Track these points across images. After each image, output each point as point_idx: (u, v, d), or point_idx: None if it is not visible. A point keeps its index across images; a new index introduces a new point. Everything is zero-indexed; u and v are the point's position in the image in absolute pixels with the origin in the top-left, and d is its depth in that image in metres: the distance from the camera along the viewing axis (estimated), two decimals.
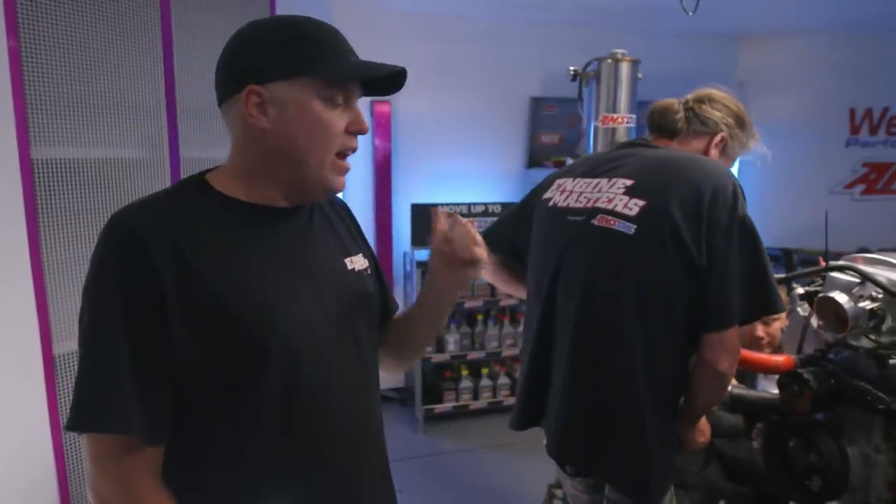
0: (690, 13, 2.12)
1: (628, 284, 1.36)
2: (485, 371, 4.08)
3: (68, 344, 1.91)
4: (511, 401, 4.04)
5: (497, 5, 3.80)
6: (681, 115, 1.54)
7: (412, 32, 3.92)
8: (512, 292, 1.84)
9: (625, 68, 2.52)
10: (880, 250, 1.58)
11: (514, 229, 1.69)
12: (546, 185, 1.63)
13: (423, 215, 3.94)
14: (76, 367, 0.85)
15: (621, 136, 2.53)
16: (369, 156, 3.94)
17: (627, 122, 2.54)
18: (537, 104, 4.23)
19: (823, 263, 1.53)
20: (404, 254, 4.10)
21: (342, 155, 0.94)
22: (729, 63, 4.72)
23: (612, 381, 1.38)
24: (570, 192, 1.52)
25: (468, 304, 3.97)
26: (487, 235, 1.73)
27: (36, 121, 1.79)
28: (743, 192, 1.34)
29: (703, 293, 1.31)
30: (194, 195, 0.92)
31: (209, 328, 0.84)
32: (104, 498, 0.84)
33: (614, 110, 2.52)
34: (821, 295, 1.44)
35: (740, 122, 1.55)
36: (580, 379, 1.42)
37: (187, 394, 0.86)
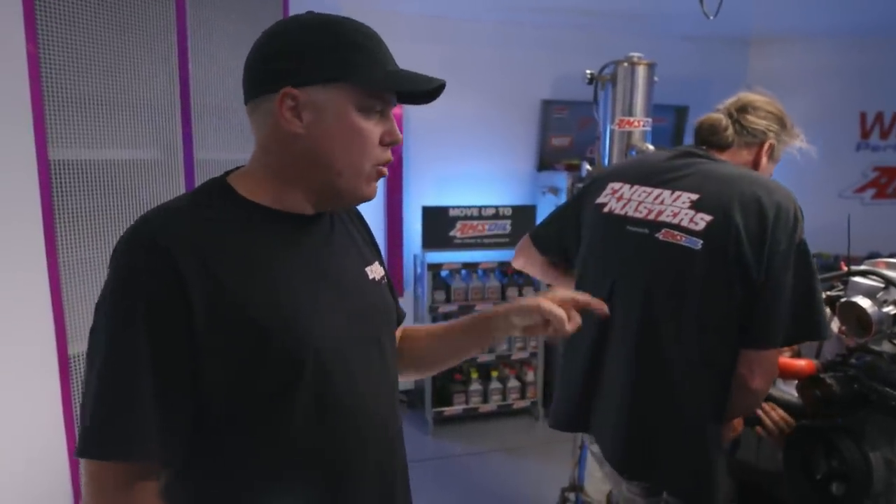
0: (712, 17, 2.11)
1: (692, 298, 1.37)
2: (494, 374, 4.07)
3: (84, 345, 1.91)
4: (521, 404, 4.07)
5: (507, 8, 3.81)
6: (730, 130, 1.54)
7: (423, 35, 3.92)
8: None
9: (641, 72, 2.50)
10: (891, 255, 1.57)
11: (561, 231, 1.69)
12: (596, 187, 1.61)
13: (433, 218, 3.95)
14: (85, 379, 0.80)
15: (637, 140, 2.52)
16: None
17: (644, 126, 2.53)
18: (548, 107, 4.23)
19: (845, 268, 1.53)
20: (415, 256, 4.10)
21: (381, 165, 0.91)
22: (739, 66, 4.71)
23: (675, 391, 1.40)
24: (627, 200, 1.51)
25: (478, 308, 3.96)
26: (536, 237, 1.75)
27: (53, 123, 1.79)
28: (803, 216, 1.36)
29: (752, 311, 1.33)
30: (218, 200, 0.88)
31: (238, 342, 0.81)
32: None
33: (630, 114, 2.51)
34: (843, 299, 1.43)
35: (783, 125, 1.56)
36: (643, 389, 1.43)
37: (216, 411, 0.83)
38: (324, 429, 0.89)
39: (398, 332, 1.15)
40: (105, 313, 0.80)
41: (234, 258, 0.83)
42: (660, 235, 1.41)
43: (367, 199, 0.93)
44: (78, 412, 1.90)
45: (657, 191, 1.48)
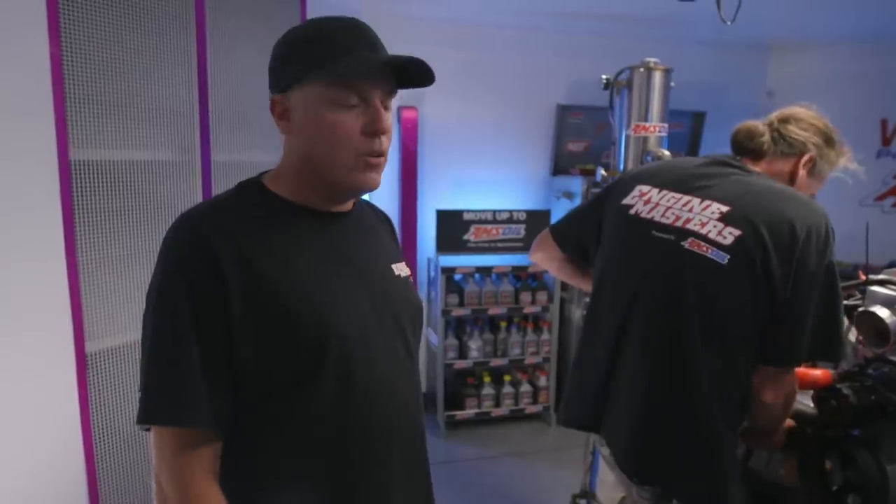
0: (729, 22, 2.09)
1: (716, 312, 1.35)
2: (507, 378, 4.06)
3: (101, 342, 1.94)
4: (533, 409, 4.06)
5: (523, 14, 3.80)
6: (766, 137, 1.50)
7: (440, 40, 3.93)
8: (576, 286, 1.86)
9: (657, 77, 2.50)
10: None
11: (581, 229, 1.67)
12: (623, 188, 1.58)
13: (447, 221, 3.96)
14: (138, 361, 0.87)
15: (653, 146, 2.51)
16: (395, 161, 3.96)
17: (660, 132, 2.52)
18: (564, 112, 4.22)
19: (863, 277, 1.51)
20: (428, 260, 4.11)
21: (367, 155, 0.91)
22: (759, 72, 4.67)
23: (693, 400, 1.37)
24: (655, 205, 1.48)
25: (491, 311, 3.95)
26: (556, 232, 1.73)
27: (75, 123, 1.82)
28: (834, 236, 1.34)
29: (775, 330, 1.32)
30: (253, 197, 0.94)
31: (269, 326, 0.86)
32: (163, 490, 0.86)
33: (646, 119, 2.50)
34: (861, 309, 1.41)
35: (829, 141, 1.52)
36: (660, 395, 1.41)
37: (245, 392, 0.88)
38: (346, 415, 0.91)
39: None
40: (153, 297, 0.87)
41: (266, 248, 0.88)
42: (685, 244, 1.38)
43: (366, 188, 0.94)
44: (95, 410, 1.93)
45: (686, 197, 1.45)
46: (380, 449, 0.94)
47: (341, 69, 0.86)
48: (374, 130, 0.89)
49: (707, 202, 1.41)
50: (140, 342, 0.89)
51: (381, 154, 0.92)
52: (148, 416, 0.85)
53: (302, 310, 0.87)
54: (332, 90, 0.87)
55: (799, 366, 1.36)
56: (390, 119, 0.94)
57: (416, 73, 0.91)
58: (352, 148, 0.89)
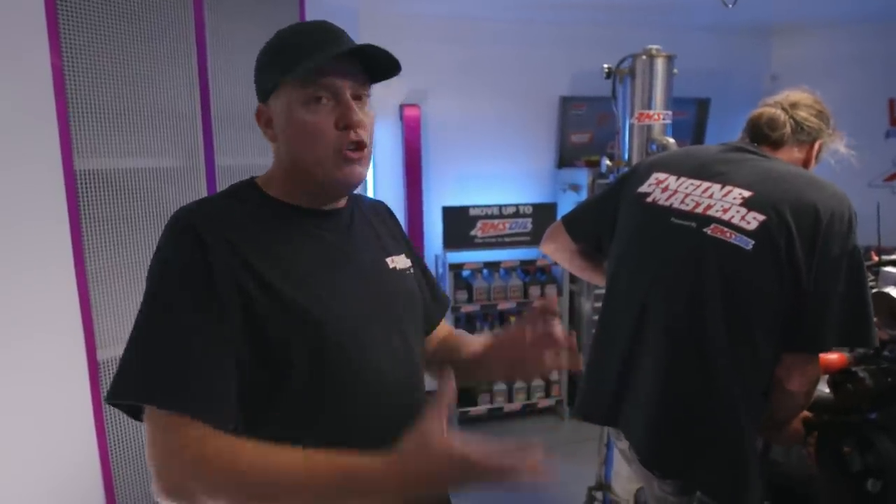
0: (730, 5, 2.07)
1: (740, 298, 1.33)
2: None
3: (112, 350, 1.95)
4: (546, 402, 4.05)
5: (522, 7, 3.79)
6: (787, 126, 1.48)
7: (440, 36, 3.92)
8: (587, 279, 1.83)
9: (660, 64, 2.47)
10: None
11: (597, 218, 1.64)
12: (639, 177, 1.56)
13: (454, 217, 3.95)
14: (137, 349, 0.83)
15: (658, 134, 2.49)
16: (400, 159, 3.95)
17: (664, 119, 2.49)
18: (566, 103, 4.20)
19: (876, 258, 1.49)
20: (436, 256, 4.10)
21: (344, 149, 0.92)
22: (762, 57, 4.64)
23: (718, 392, 1.35)
24: (673, 192, 1.46)
25: (501, 306, 3.95)
26: (569, 223, 1.70)
27: (78, 134, 1.83)
28: (857, 220, 1.32)
29: (799, 316, 1.30)
30: (245, 197, 0.96)
31: (263, 315, 0.85)
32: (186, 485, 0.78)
33: (650, 107, 2.48)
34: (875, 290, 1.40)
35: (829, 126, 1.52)
36: (682, 386, 1.38)
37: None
38: (343, 408, 0.90)
39: (444, 329, 1.21)
40: (152, 286, 0.87)
41: (257, 245, 0.89)
42: (708, 231, 1.36)
43: (351, 181, 0.94)
44: (109, 417, 1.94)
45: (706, 184, 1.43)
46: (379, 443, 0.93)
47: (304, 67, 0.88)
48: (346, 123, 0.91)
49: (728, 188, 1.39)
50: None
51: (360, 146, 0.93)
52: (163, 399, 0.79)
53: (294, 301, 0.87)
54: (302, 90, 0.90)
55: (824, 352, 1.34)
56: (368, 112, 0.95)
57: (385, 64, 0.93)
58: (329, 144, 0.91)
